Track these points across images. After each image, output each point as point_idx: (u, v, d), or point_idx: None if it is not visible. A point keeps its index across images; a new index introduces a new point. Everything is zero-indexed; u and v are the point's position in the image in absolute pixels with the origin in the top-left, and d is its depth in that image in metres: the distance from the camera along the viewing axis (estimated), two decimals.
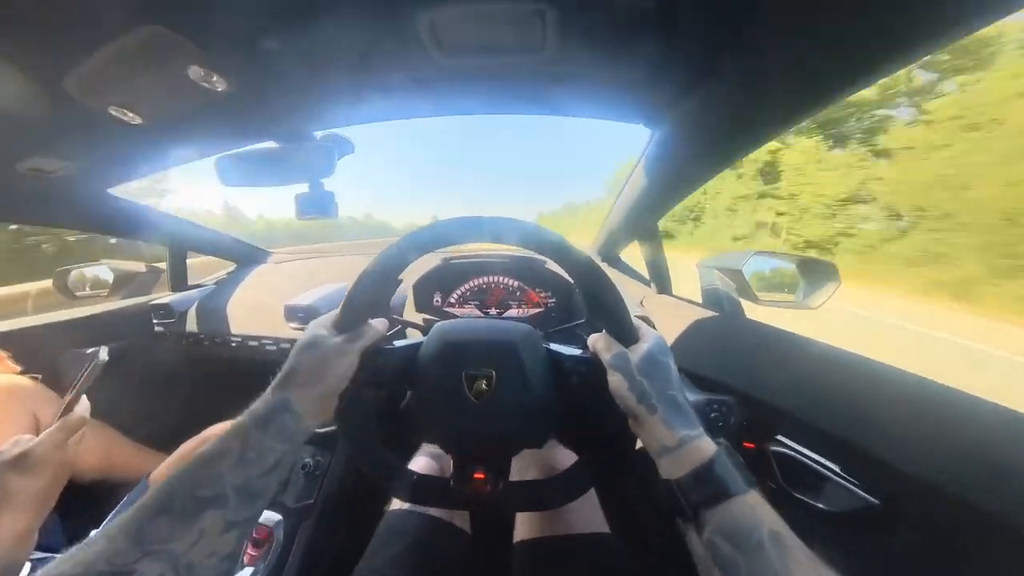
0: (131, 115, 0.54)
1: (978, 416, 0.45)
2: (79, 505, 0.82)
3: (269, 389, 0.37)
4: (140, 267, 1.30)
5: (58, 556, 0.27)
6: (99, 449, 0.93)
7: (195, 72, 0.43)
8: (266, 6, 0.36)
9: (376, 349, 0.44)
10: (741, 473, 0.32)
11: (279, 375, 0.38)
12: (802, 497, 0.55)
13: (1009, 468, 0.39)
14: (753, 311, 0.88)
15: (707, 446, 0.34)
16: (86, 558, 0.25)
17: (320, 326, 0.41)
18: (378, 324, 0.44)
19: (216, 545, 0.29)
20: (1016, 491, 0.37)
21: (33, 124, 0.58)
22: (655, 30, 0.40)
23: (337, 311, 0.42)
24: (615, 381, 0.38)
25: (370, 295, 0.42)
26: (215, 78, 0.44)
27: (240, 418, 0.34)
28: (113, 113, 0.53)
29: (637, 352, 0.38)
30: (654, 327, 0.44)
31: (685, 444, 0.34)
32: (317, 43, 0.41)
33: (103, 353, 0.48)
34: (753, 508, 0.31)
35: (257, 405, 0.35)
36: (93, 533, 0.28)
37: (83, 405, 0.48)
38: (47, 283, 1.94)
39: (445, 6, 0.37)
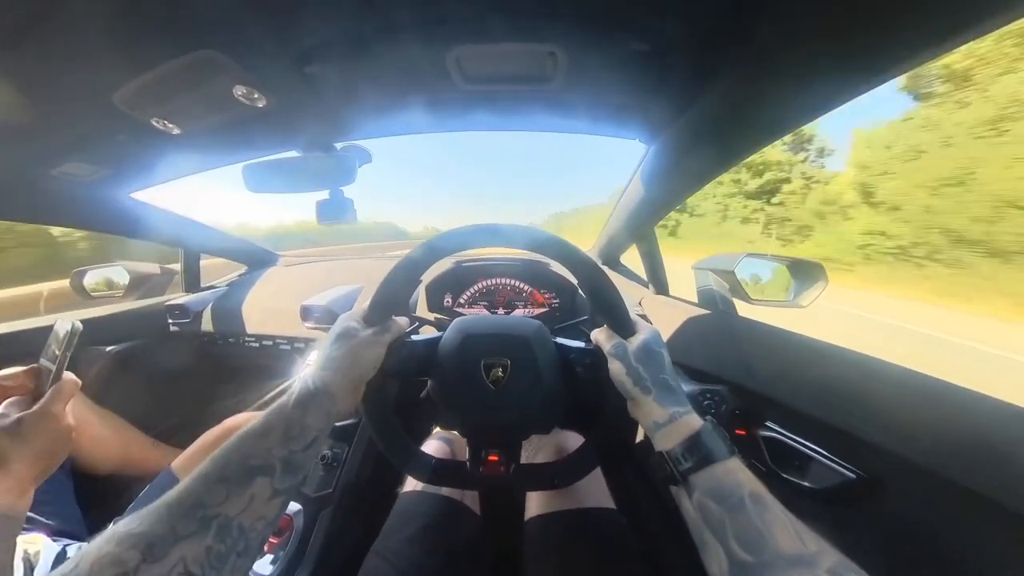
0: (171, 126, 0.58)
1: (949, 398, 0.50)
2: (99, 495, 0.85)
3: (307, 372, 0.41)
4: (155, 269, 1.33)
5: (119, 521, 0.29)
6: (116, 443, 0.96)
7: (239, 91, 0.48)
8: (314, 38, 0.41)
9: (401, 342, 0.48)
10: (724, 443, 0.36)
11: (316, 361, 0.42)
12: (789, 477, 0.59)
13: (978, 443, 0.43)
14: (751, 312, 0.92)
15: (694, 420, 0.38)
16: (150, 518, 0.27)
17: (350, 319, 0.46)
18: (401, 320, 0.49)
19: (263, 510, 0.32)
20: (985, 463, 0.41)
21: (75, 130, 0.62)
22: (650, 61, 0.46)
23: (365, 307, 0.47)
24: (615, 368, 0.43)
25: (395, 293, 0.47)
26: (256, 95, 0.49)
27: (283, 398, 0.38)
28: (154, 124, 0.57)
29: (634, 343, 0.43)
30: (651, 324, 0.49)
31: (675, 419, 0.38)
32: (355, 69, 0.46)
33: (76, 323, 0.49)
34: (735, 472, 0.34)
35: (298, 387, 0.39)
36: (113, 523, 0.30)
37: (69, 375, 0.50)
38: (59, 284, 1.97)
39: (473, 45, 0.42)
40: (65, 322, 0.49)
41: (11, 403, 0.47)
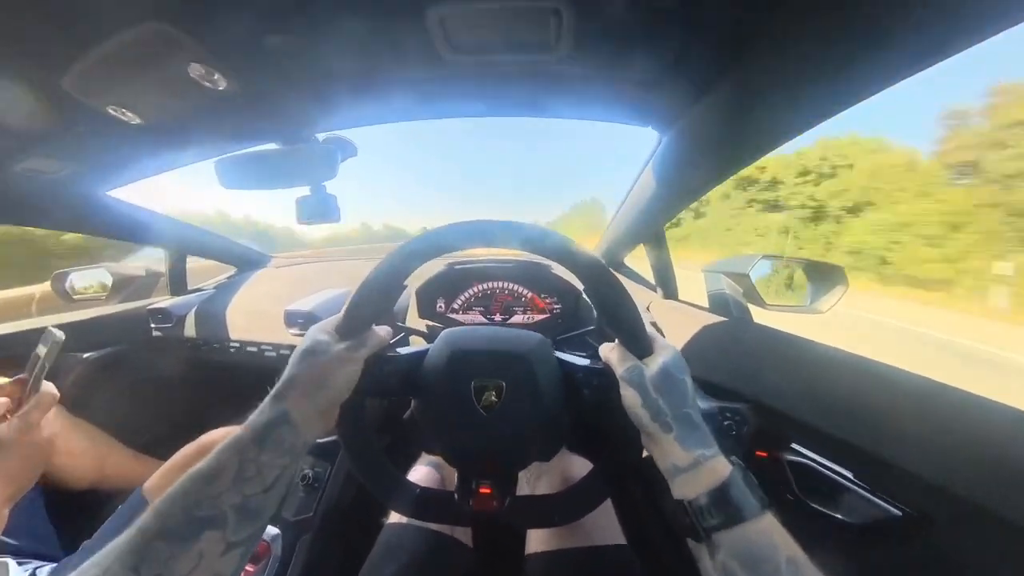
0: (130, 115, 0.53)
1: (1002, 422, 0.44)
2: (73, 513, 0.80)
3: (267, 400, 0.35)
4: (139, 271, 1.29)
5: (60, 561, 0.26)
6: (93, 456, 0.92)
7: (196, 70, 0.42)
8: (269, 2, 0.35)
9: (380, 356, 0.42)
10: (755, 494, 0.32)
11: (277, 384, 0.36)
12: (820, 507, 0.53)
13: None
14: (765, 318, 0.86)
15: (722, 467, 0.33)
16: (95, 572, 0.25)
17: (321, 331, 0.39)
18: (382, 331, 0.42)
19: (217, 567, 0.28)
20: None
21: (30, 123, 0.57)
22: (669, 30, 0.39)
23: (340, 316, 0.41)
24: (628, 396, 0.36)
25: (374, 300, 0.41)
26: (216, 76, 0.43)
27: (237, 432, 0.33)
28: (112, 112, 0.52)
29: (652, 366, 0.37)
30: (662, 333, 0.43)
31: (699, 464, 0.33)
32: (323, 40, 0.40)
33: (58, 333, 0.48)
34: (769, 533, 0.30)
35: (255, 417, 0.34)
36: (87, 562, 0.26)
37: (48, 386, 0.48)
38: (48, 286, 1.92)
39: (458, 2, 0.35)
40: (49, 332, 0.47)
41: None
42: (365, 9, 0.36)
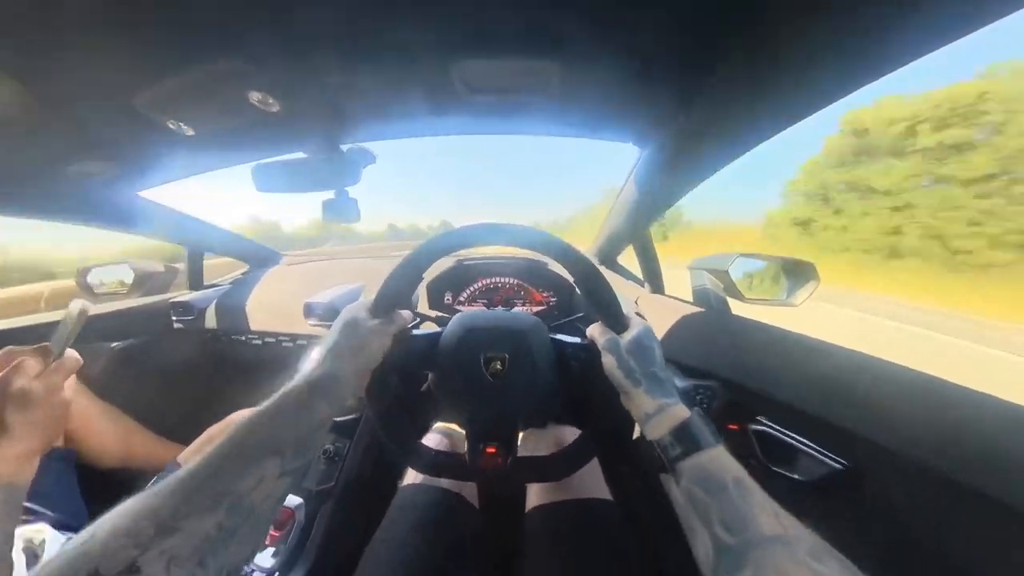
0: (185, 127, 0.60)
1: (935, 391, 0.52)
2: (102, 490, 0.86)
3: (317, 359, 0.42)
4: (159, 267, 1.35)
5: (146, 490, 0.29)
6: (119, 437, 0.97)
7: (254, 96, 0.50)
8: (332, 51, 0.43)
9: (403, 335, 0.50)
10: (711, 433, 0.38)
11: (325, 347, 0.43)
12: (780, 470, 0.61)
13: (961, 434, 0.45)
14: (745, 310, 0.94)
15: (682, 411, 0.40)
16: (164, 492, 0.28)
17: (357, 310, 0.47)
18: (405, 314, 0.50)
19: (272, 489, 0.32)
20: (967, 453, 0.43)
21: (94, 131, 0.64)
22: (640, 75, 0.48)
23: (371, 298, 0.49)
24: (607, 361, 0.44)
25: (400, 288, 0.49)
26: (271, 101, 0.51)
27: (293, 381, 0.39)
28: (170, 125, 0.59)
29: (626, 337, 0.45)
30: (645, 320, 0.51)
31: (664, 410, 0.40)
32: (362, 80, 0.49)
33: (84, 303, 0.52)
34: (720, 459, 0.36)
35: (308, 372, 0.40)
36: (169, 477, 0.30)
37: (71, 352, 0.53)
38: (59, 283, 1.98)
39: (475, 60, 0.45)
40: (76, 302, 0.52)
41: (16, 369, 0.48)
42: (402, 58, 0.45)
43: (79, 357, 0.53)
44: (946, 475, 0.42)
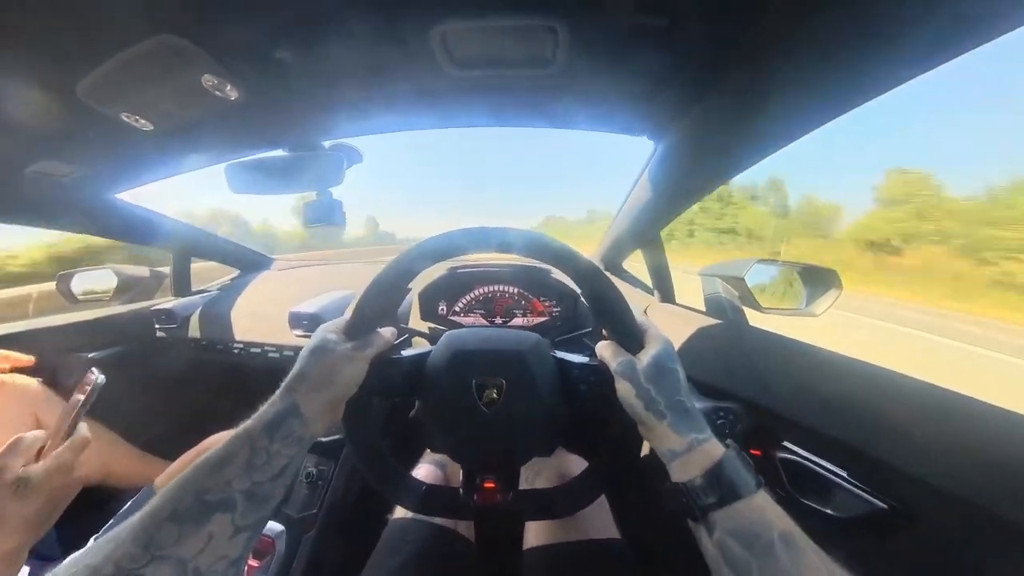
0: (142, 121, 0.54)
1: (987, 420, 0.46)
2: (75, 512, 0.80)
3: (277, 393, 0.37)
4: (144, 272, 1.30)
5: (62, 561, 0.27)
6: (98, 455, 0.91)
7: (208, 80, 0.44)
8: (280, 17, 0.37)
9: (385, 358, 0.44)
10: (750, 474, 0.33)
11: (287, 379, 0.38)
12: (810, 503, 0.54)
13: (1021, 472, 0.39)
14: (761, 321, 0.88)
15: (715, 449, 0.34)
16: (93, 561, 0.25)
17: (329, 331, 0.41)
18: (387, 333, 0.44)
19: (224, 549, 0.29)
20: None
21: (43, 128, 0.59)
22: (660, 45, 0.41)
23: (346, 317, 0.42)
24: (623, 389, 0.38)
25: (380, 303, 0.42)
26: (228, 87, 0.45)
27: (248, 422, 0.34)
28: (124, 119, 0.54)
29: (644, 358, 0.38)
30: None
31: (694, 447, 0.34)
32: (330, 53, 0.42)
33: (100, 376, 0.47)
34: (763, 509, 0.31)
35: (265, 409, 0.35)
36: (94, 539, 0.28)
37: (83, 427, 0.47)
38: (47, 286, 1.94)
39: (458, 20, 0.37)
40: (91, 374, 0.47)
41: (12, 450, 0.42)
42: (371, 25, 0.38)
43: (89, 436, 0.48)
44: (1009, 521, 0.37)
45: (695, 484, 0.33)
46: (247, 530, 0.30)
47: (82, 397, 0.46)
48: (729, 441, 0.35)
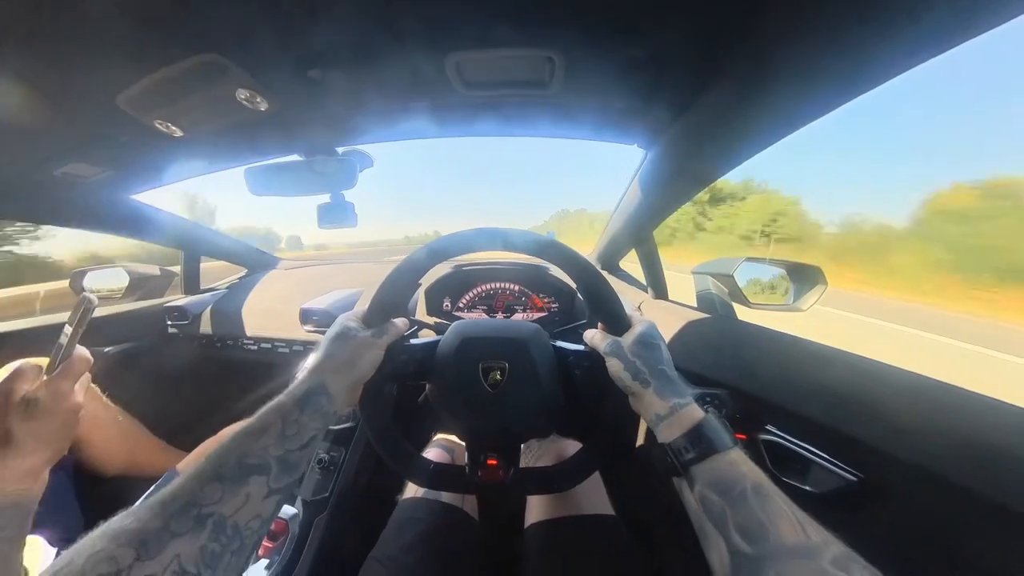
0: (173, 128, 0.59)
1: (951, 400, 0.50)
2: (101, 498, 0.83)
3: (305, 373, 0.40)
4: (154, 270, 1.33)
5: (116, 516, 0.28)
6: (125, 444, 0.94)
7: (241, 94, 0.48)
8: (315, 42, 0.41)
9: (398, 346, 0.48)
10: (727, 434, 0.36)
11: (314, 361, 0.41)
12: (790, 481, 0.59)
13: (980, 445, 0.44)
14: (750, 316, 0.93)
15: (696, 411, 0.38)
16: (145, 515, 0.27)
17: (349, 320, 0.45)
18: (401, 322, 0.48)
19: (259, 508, 0.31)
20: (988, 465, 0.41)
21: (78, 131, 0.62)
22: (645, 69, 0.46)
23: (364, 308, 0.47)
24: (612, 365, 0.42)
25: (395, 295, 0.47)
26: (259, 99, 0.49)
27: (279, 397, 0.38)
28: (157, 126, 0.58)
29: (629, 337, 0.43)
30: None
31: (676, 411, 0.38)
32: (356, 74, 0.47)
33: (92, 297, 0.47)
34: (737, 463, 0.34)
35: (295, 387, 0.39)
36: (144, 500, 0.30)
37: (81, 351, 0.48)
38: (55, 285, 1.97)
39: (470, 51, 0.43)
40: (84, 296, 0.48)
41: (16, 375, 0.44)
42: (394, 53, 0.43)
43: (89, 356, 0.49)
44: (965, 488, 0.41)
45: (678, 443, 0.36)
46: (279, 493, 0.33)
47: (74, 322, 0.47)
48: (708, 407, 0.39)
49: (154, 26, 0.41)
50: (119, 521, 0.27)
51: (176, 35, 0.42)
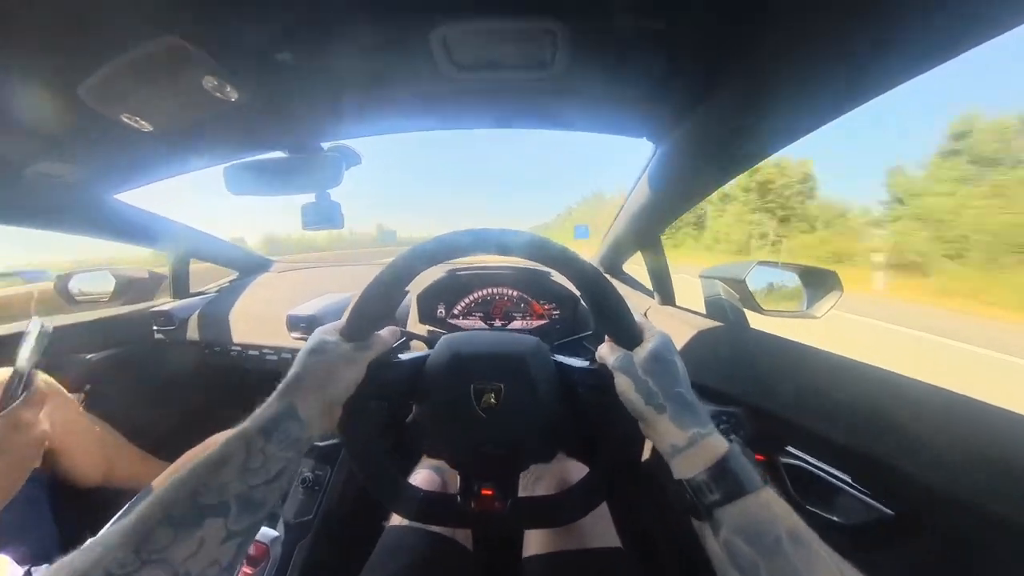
0: (142, 123, 0.54)
1: (994, 424, 0.45)
2: (75, 512, 0.80)
3: (274, 394, 0.36)
4: (142, 273, 1.29)
5: (53, 563, 0.26)
6: (101, 455, 0.91)
7: (209, 82, 0.44)
8: (281, 19, 0.37)
9: (383, 362, 0.43)
10: (755, 470, 0.32)
11: (284, 380, 0.37)
12: (814, 509, 0.54)
13: None
14: (762, 323, 0.88)
15: (719, 443, 0.33)
16: (83, 565, 0.25)
17: (327, 333, 0.40)
18: (386, 335, 0.43)
19: (216, 554, 0.28)
20: None
21: (44, 129, 0.59)
22: (660, 48, 0.41)
23: (344, 318, 0.42)
24: (621, 383, 0.37)
25: (378, 304, 0.42)
26: (228, 88, 0.45)
27: (244, 424, 0.33)
28: (125, 120, 0.54)
29: (641, 352, 0.38)
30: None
31: (696, 442, 0.33)
32: (330, 56, 0.42)
33: (44, 324, 0.45)
34: (769, 506, 0.30)
35: (261, 411, 0.34)
36: (89, 540, 0.27)
37: (44, 382, 0.46)
38: (48, 285, 1.94)
39: (458, 22, 0.38)
40: (35, 322, 0.46)
41: None
42: (371, 28, 0.38)
43: (51, 381, 0.47)
44: (1017, 525, 0.36)
45: (699, 480, 0.32)
46: (239, 535, 0.29)
47: (29, 348, 0.45)
48: (733, 436, 0.34)
49: (107, 7, 0.37)
50: (74, 558, 0.25)
51: (131, 17, 0.38)
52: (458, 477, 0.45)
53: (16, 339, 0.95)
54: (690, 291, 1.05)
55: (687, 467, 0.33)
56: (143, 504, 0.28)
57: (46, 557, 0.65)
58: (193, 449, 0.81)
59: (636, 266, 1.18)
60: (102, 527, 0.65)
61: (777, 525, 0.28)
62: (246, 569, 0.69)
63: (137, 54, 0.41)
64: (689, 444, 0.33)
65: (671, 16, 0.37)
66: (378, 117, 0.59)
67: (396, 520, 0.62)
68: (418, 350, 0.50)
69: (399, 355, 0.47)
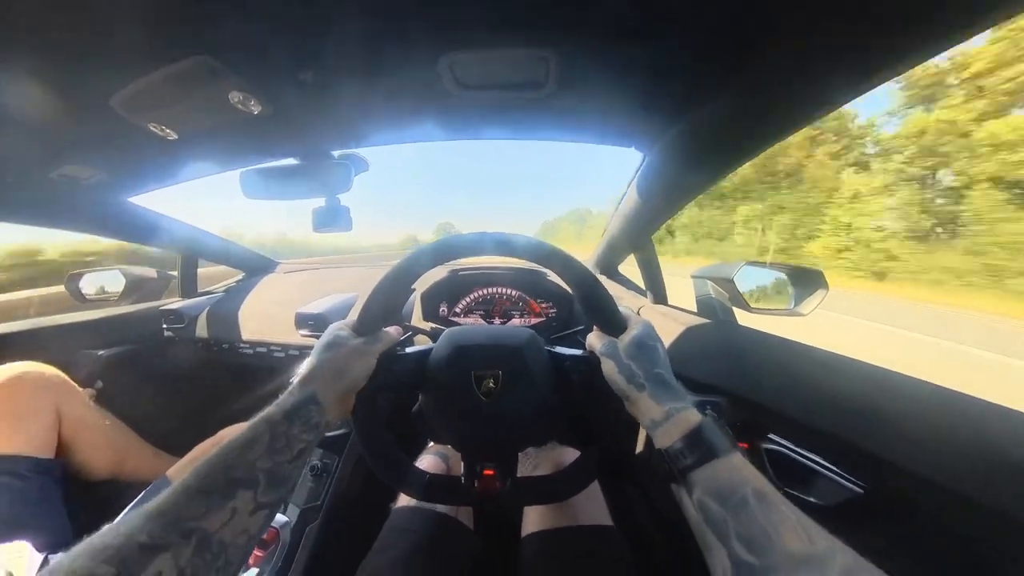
0: (168, 131, 0.58)
1: (961, 409, 0.49)
2: (87, 505, 0.82)
3: (295, 384, 0.40)
4: (151, 273, 1.33)
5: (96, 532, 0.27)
6: (112, 449, 0.93)
7: (234, 97, 0.48)
8: (307, 43, 0.41)
9: (391, 354, 0.47)
10: (727, 439, 0.35)
11: (304, 371, 0.41)
12: (795, 492, 0.57)
13: (991, 455, 0.42)
14: (751, 321, 0.91)
15: (693, 415, 0.37)
16: (112, 541, 0.26)
17: (340, 328, 0.45)
18: (393, 330, 0.47)
19: (246, 524, 0.31)
20: (999, 476, 0.40)
21: (73, 134, 0.62)
22: (645, 69, 0.46)
23: (355, 315, 0.46)
24: (607, 367, 0.41)
25: (386, 302, 0.46)
26: (252, 102, 0.49)
27: (268, 409, 0.37)
28: (152, 129, 0.57)
29: (625, 339, 0.42)
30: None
31: (673, 415, 0.37)
32: (347, 76, 0.46)
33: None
34: (738, 468, 0.33)
35: (284, 398, 0.38)
36: (107, 525, 0.28)
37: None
38: (49, 290, 1.96)
39: (464, 51, 0.42)
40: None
41: None
42: (386, 53, 0.43)
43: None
44: (975, 500, 0.39)
45: (676, 448, 0.35)
46: (267, 507, 0.33)
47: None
48: (708, 411, 0.38)
49: (145, 27, 0.41)
50: (101, 536, 0.26)
51: (167, 37, 0.42)
52: (461, 461, 0.48)
53: (16, 338, 0.99)
54: (690, 292, 1.09)
55: (665, 437, 0.36)
56: (179, 480, 0.31)
57: (61, 546, 0.67)
58: (204, 442, 0.84)
59: (634, 267, 1.22)
60: (115, 519, 0.66)
61: (745, 485, 0.31)
62: (258, 552, 0.72)
63: (171, 70, 0.45)
64: (666, 418, 0.37)
65: (654, 41, 0.42)
66: (388, 128, 0.63)
67: (402, 502, 0.65)
68: (422, 344, 0.54)
69: (405, 349, 0.50)
